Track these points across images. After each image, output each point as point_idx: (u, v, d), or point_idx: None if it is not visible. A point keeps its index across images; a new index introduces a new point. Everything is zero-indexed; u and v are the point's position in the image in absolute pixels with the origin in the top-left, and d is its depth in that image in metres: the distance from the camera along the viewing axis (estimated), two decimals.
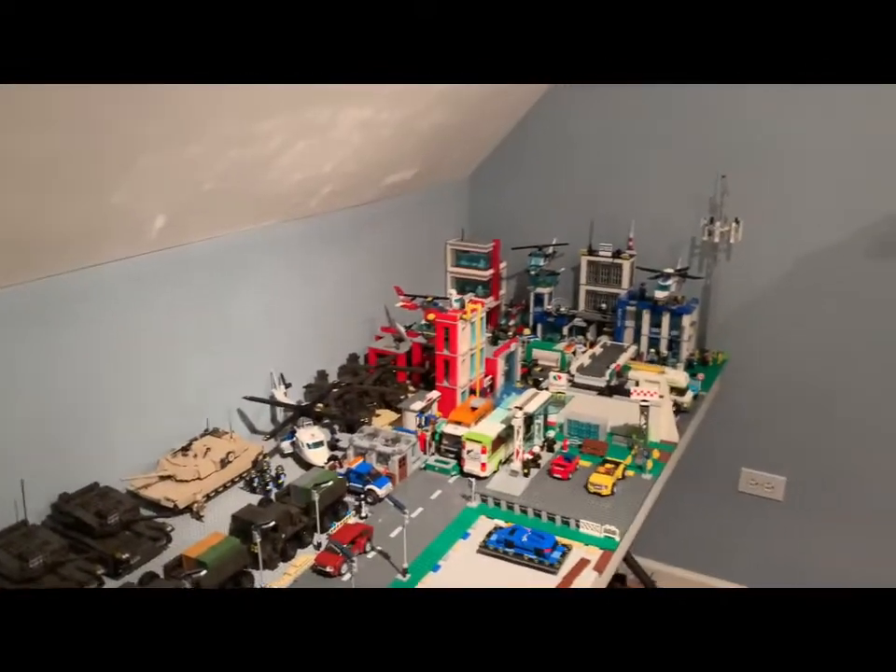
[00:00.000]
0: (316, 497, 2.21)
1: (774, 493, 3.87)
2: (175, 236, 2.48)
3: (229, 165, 2.36)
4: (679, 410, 3.08)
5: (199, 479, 2.44)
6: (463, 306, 3.04)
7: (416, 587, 2.04)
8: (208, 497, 2.46)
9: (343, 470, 2.55)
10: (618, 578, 4.17)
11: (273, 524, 2.09)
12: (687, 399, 3.12)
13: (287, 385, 2.98)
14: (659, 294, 3.44)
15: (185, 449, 2.54)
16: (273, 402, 2.92)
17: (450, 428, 2.75)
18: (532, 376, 3.38)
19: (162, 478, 2.44)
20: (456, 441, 2.69)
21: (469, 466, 2.61)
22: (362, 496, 2.44)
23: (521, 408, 2.60)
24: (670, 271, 3.51)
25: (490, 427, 2.67)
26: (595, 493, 2.50)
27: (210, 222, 2.62)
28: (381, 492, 2.44)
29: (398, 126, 2.98)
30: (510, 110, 3.85)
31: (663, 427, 2.87)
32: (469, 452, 2.60)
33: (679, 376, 3.14)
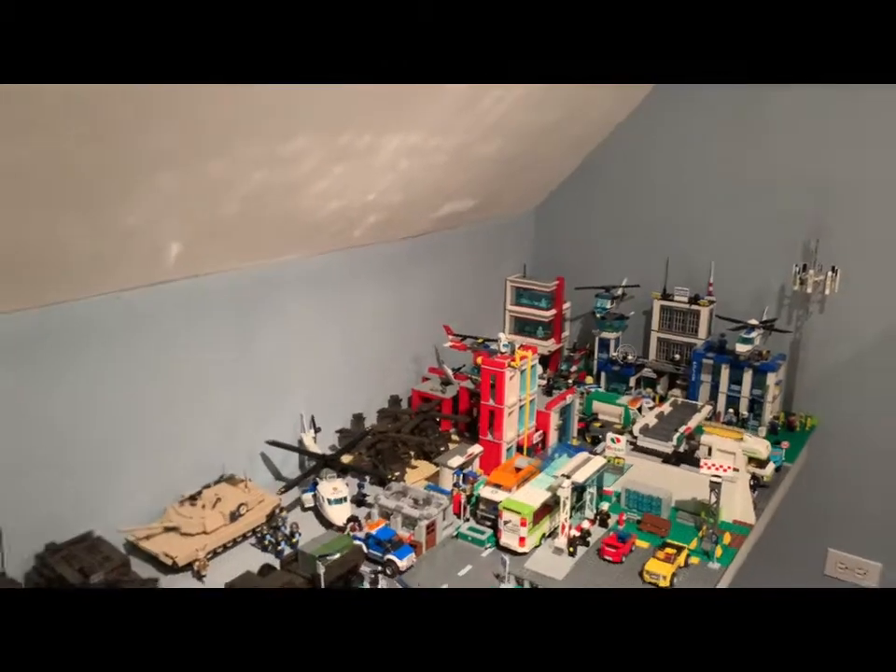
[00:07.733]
0: (322, 571, 1.94)
1: (866, 579, 3.42)
2: (194, 265, 2.28)
3: (254, 187, 2.15)
4: (757, 484, 2.69)
5: (205, 533, 2.22)
6: (513, 352, 2.74)
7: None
8: (214, 554, 2.23)
9: (361, 534, 2.28)
10: None
11: None
12: (768, 471, 2.73)
13: (317, 430, 2.74)
14: (741, 347, 3.08)
15: (193, 498, 2.32)
16: (294, 449, 2.67)
17: (487, 492, 2.44)
18: (590, 432, 3.05)
19: (167, 529, 2.23)
20: (494, 507, 2.38)
21: (506, 539, 2.29)
22: (380, 566, 2.16)
23: (569, 476, 2.27)
24: (755, 322, 3.15)
25: (533, 494, 2.35)
26: (650, 583, 2.14)
27: (235, 250, 2.41)
28: (401, 564, 2.17)
29: (453, 153, 2.73)
30: (577, 141, 3.56)
31: (737, 506, 2.49)
32: (506, 523, 2.28)
33: (760, 445, 2.74)
